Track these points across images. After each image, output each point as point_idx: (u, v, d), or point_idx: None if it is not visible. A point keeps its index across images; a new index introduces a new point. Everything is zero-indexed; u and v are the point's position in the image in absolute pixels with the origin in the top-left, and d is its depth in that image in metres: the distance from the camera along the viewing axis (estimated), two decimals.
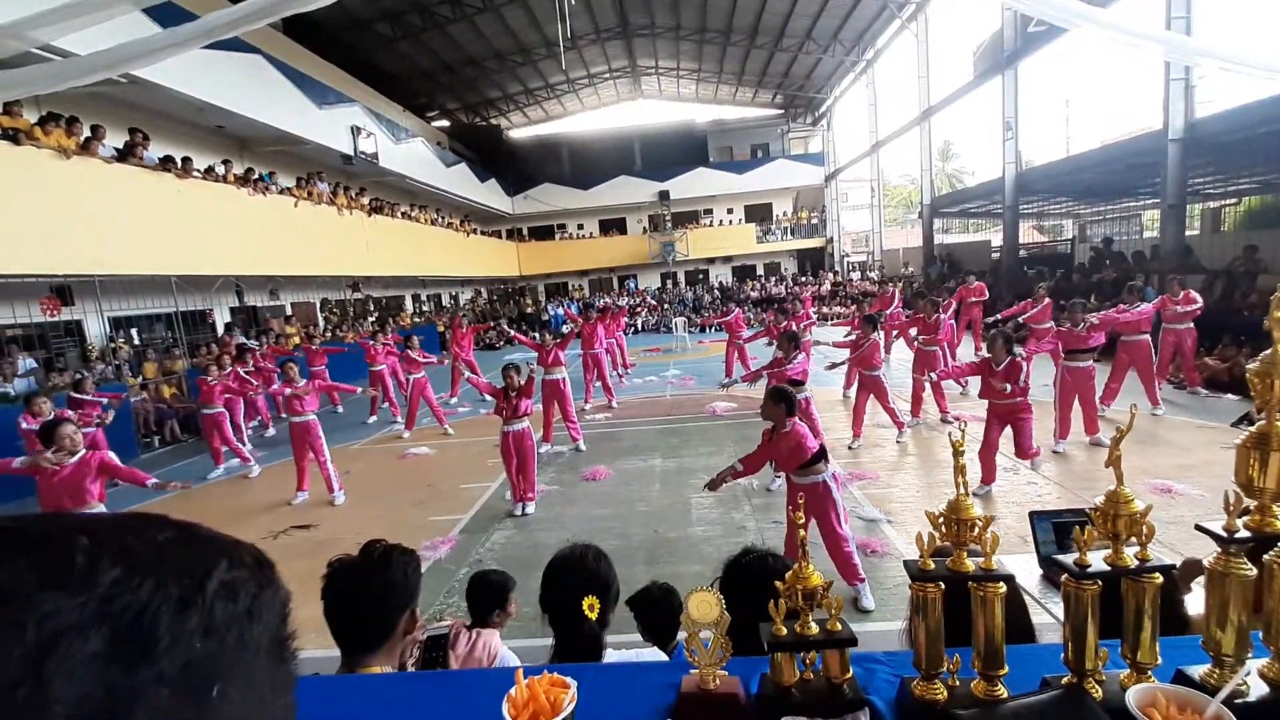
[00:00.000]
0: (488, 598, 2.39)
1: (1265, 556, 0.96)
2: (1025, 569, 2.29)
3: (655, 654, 1.89)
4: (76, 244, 8.50)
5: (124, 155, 9.64)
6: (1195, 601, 1.60)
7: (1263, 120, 9.06)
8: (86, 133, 9.10)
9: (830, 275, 27.14)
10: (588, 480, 6.74)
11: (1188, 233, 12.31)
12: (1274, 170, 11.80)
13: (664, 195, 28.53)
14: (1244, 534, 0.95)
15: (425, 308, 24.44)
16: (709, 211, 30.22)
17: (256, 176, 12.66)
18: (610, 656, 1.67)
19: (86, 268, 8.87)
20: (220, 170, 11.94)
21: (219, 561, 0.37)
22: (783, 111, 30.29)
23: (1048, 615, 1.96)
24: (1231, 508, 0.95)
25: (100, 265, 9.02)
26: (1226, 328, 8.82)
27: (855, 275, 27.53)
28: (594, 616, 1.49)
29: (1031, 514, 2.38)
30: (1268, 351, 0.95)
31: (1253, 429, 0.99)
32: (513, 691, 0.89)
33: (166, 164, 10.27)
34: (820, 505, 3.84)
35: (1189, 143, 10.33)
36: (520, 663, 2.25)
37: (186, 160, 10.76)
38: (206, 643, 0.33)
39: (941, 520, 1.00)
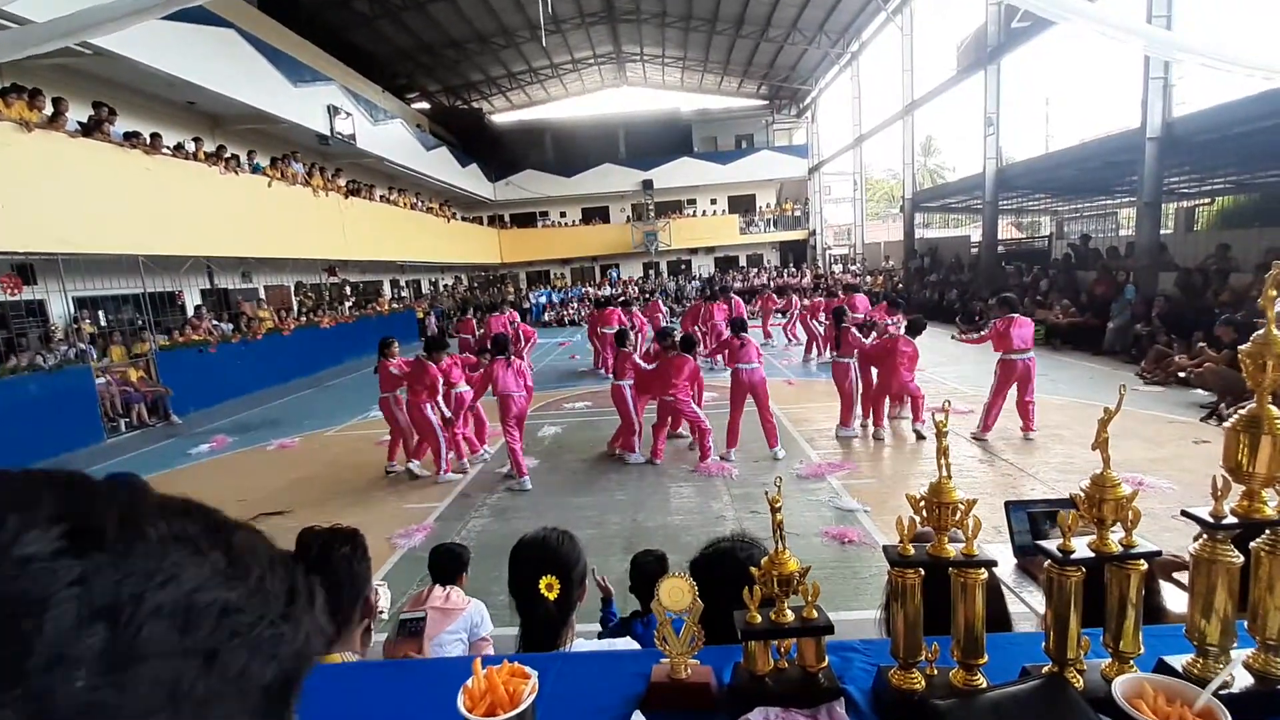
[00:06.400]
0: (447, 567, 2.77)
1: (1252, 543, 0.94)
2: (1000, 559, 2.30)
3: (629, 644, 1.84)
4: (39, 221, 8.17)
5: (89, 130, 9.29)
6: (1170, 594, 1.60)
7: (1238, 120, 9.19)
8: (50, 106, 8.75)
9: (811, 268, 27.24)
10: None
11: (1162, 231, 12.50)
12: (1247, 170, 12.02)
13: (648, 184, 28.36)
14: (1231, 520, 0.92)
15: (404, 294, 24.08)
16: (692, 201, 30.13)
17: (230, 155, 12.31)
18: (580, 646, 1.61)
19: (49, 245, 8.53)
20: (190, 148, 11.59)
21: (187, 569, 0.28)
22: (767, 102, 30.22)
23: (1022, 605, 1.95)
24: (1219, 493, 0.92)
25: (64, 243, 8.68)
26: (1198, 325, 8.97)
27: (837, 268, 27.65)
28: (552, 597, 1.44)
29: (1007, 504, 2.38)
30: (1260, 332, 0.92)
31: (1228, 423, 0.95)
32: (469, 682, 0.83)
33: (134, 139, 9.93)
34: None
35: (1166, 142, 10.45)
36: (488, 618, 2.54)
37: (155, 136, 10.41)
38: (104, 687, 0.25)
39: (923, 504, 0.96)
